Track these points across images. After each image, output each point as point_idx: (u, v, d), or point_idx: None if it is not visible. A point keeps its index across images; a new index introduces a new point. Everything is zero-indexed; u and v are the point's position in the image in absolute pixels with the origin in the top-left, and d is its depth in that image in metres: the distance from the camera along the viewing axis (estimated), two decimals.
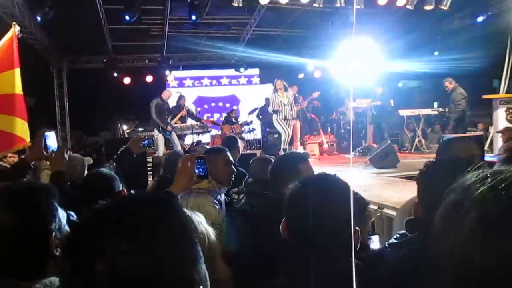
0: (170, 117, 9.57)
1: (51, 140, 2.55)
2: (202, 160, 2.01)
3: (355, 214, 1.14)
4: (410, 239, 1.41)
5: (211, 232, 1.40)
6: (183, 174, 1.94)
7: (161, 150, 9.10)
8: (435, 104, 11.16)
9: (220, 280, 1.31)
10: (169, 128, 9.22)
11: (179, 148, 9.04)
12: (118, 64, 12.29)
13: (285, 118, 8.79)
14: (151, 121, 9.33)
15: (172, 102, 11.21)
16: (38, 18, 7.74)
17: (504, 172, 0.64)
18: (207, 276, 0.68)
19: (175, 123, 9.74)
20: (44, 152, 2.48)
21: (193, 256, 0.66)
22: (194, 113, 11.41)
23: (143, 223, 0.63)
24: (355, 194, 2.08)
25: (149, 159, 7.39)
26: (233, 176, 2.70)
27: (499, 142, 7.24)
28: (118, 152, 2.84)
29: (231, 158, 2.71)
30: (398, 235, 1.55)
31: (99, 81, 12.98)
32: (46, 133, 2.50)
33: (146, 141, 2.98)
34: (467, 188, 0.62)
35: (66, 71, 12.39)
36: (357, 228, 1.23)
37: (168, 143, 9.65)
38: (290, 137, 9.01)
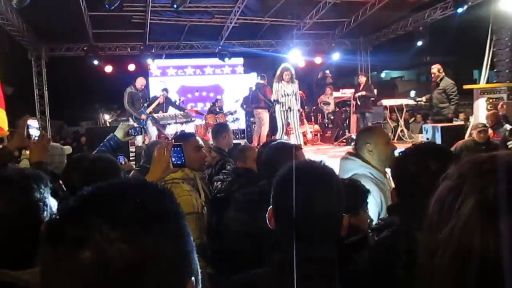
0: (145, 105, 9.23)
1: (34, 128, 2.44)
2: (178, 148, 1.97)
3: (348, 201, 1.13)
4: (389, 223, 1.45)
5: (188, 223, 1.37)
6: (159, 162, 1.89)
7: (139, 139, 8.94)
8: (412, 93, 11.23)
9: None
10: (142, 116, 8.93)
11: (153, 137, 8.88)
12: (99, 52, 12.04)
13: (289, 109, 8.49)
14: (127, 111, 9.15)
15: (154, 92, 11.08)
16: (14, 4, 7.50)
17: (499, 156, 0.63)
18: (198, 268, 0.66)
19: (151, 111, 9.43)
20: (27, 140, 2.38)
21: (186, 247, 0.63)
22: (178, 102, 11.29)
23: (134, 210, 0.59)
24: (355, 181, 2.07)
25: (132, 149, 7.28)
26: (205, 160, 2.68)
27: None
28: (105, 140, 2.72)
29: (201, 143, 2.67)
30: (379, 220, 1.58)
31: (80, 69, 12.74)
32: (29, 121, 2.38)
33: (133, 129, 2.81)
34: (465, 173, 0.61)
35: (45, 59, 12.09)
36: (344, 214, 1.23)
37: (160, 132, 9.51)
38: (296, 130, 8.77)
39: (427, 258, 0.61)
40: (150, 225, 0.59)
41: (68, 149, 3.56)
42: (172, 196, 0.66)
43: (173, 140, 2.01)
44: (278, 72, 8.55)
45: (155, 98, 9.89)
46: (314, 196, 1.17)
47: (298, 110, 8.71)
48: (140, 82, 9.18)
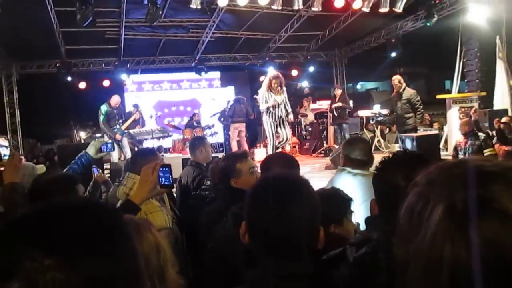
0: (121, 122, 9.04)
1: (3, 146, 2.34)
2: (167, 169, 1.89)
3: (331, 210, 1.09)
4: (369, 238, 1.37)
5: (161, 240, 1.31)
6: (146, 183, 1.82)
7: (115, 156, 8.78)
8: (377, 107, 11.28)
9: None
10: (117, 137, 8.78)
11: (128, 155, 8.70)
12: (73, 68, 11.85)
13: (279, 118, 7.91)
14: (101, 128, 8.98)
15: (130, 107, 10.93)
16: None
17: (469, 161, 0.60)
18: None
19: (127, 127, 9.26)
20: None
21: (134, 270, 0.57)
22: (154, 117, 11.16)
23: (72, 233, 0.52)
24: (336, 190, 2.04)
25: (107, 165, 7.12)
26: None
27: (453, 140, 7.52)
28: (76, 158, 2.63)
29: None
30: (358, 235, 1.52)
31: (53, 86, 12.48)
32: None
33: (105, 146, 2.73)
34: (433, 178, 0.58)
35: (16, 76, 11.82)
36: (320, 227, 1.19)
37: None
38: (285, 141, 8.19)
39: (401, 272, 0.58)
40: (90, 248, 0.52)
41: (41, 168, 3.43)
42: (118, 215, 0.60)
43: (162, 161, 1.96)
44: (266, 80, 8.11)
45: (130, 114, 9.76)
46: (289, 208, 1.12)
47: (287, 116, 8.12)
48: (114, 100, 8.96)
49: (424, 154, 1.59)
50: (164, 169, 1.88)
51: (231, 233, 2.07)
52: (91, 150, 2.63)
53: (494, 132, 7.25)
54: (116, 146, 8.63)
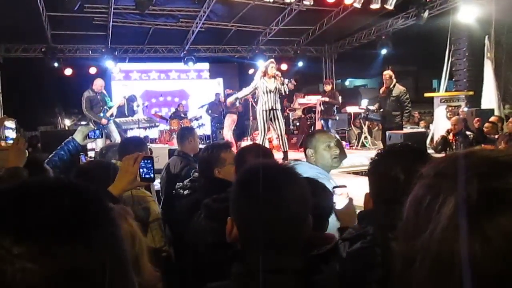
0: (106, 108, 8.57)
1: (9, 129, 2.24)
2: (149, 161, 1.82)
3: (320, 204, 1.04)
4: (363, 233, 1.32)
5: (136, 228, 1.24)
6: (126, 174, 1.75)
7: (99, 143, 8.58)
8: (365, 101, 11.23)
9: (145, 284, 1.16)
10: (103, 121, 8.50)
11: (118, 139, 8.44)
12: (59, 54, 11.60)
13: (271, 109, 7.27)
14: (84, 116, 8.72)
15: (117, 96, 10.76)
16: None
17: (480, 151, 0.56)
18: (135, 284, 0.54)
19: (112, 114, 8.98)
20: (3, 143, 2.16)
21: (116, 263, 0.51)
22: (141, 106, 11.01)
23: (46, 217, 0.46)
24: (315, 180, 2.00)
25: (91, 154, 6.98)
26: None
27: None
28: (62, 144, 2.53)
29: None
30: (351, 229, 1.48)
31: (38, 72, 12.22)
32: (6, 122, 2.19)
33: (93, 132, 2.63)
34: (443, 170, 0.54)
35: (0, 60, 11.52)
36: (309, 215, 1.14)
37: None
38: (281, 135, 7.51)
39: (403, 269, 0.53)
40: (69, 235, 0.46)
41: None
42: (101, 199, 0.53)
43: (144, 152, 1.88)
44: (262, 67, 7.53)
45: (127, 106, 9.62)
46: (281, 196, 1.07)
47: (278, 109, 7.41)
48: (98, 84, 8.44)
49: (423, 148, 1.54)
50: (146, 161, 1.81)
51: (201, 226, 2.03)
52: (78, 137, 2.55)
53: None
54: (113, 131, 8.48)
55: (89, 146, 7.75)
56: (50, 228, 0.46)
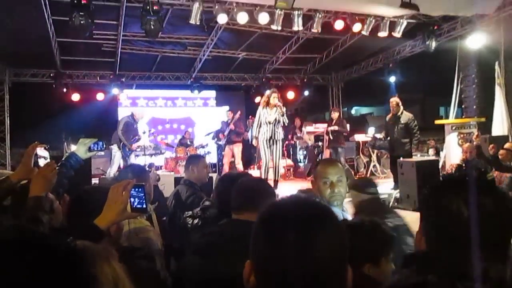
0: (136, 139, 9.22)
1: (42, 157, 2.07)
2: (140, 189, 1.63)
3: (367, 246, 0.85)
4: (421, 282, 1.04)
5: (120, 271, 1.08)
6: (114, 204, 1.57)
7: (114, 168, 8.63)
8: (372, 129, 11.16)
9: None
10: (133, 146, 8.91)
11: (114, 171, 8.70)
12: (67, 79, 11.67)
13: (270, 139, 7.59)
14: (113, 136, 9.02)
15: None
16: None
17: None
18: None
19: (137, 146, 9.42)
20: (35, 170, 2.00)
21: None
22: (147, 133, 10.99)
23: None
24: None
25: (95, 180, 6.87)
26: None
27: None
28: (62, 160, 2.35)
29: None
30: (397, 276, 1.19)
31: (46, 96, 12.26)
32: (38, 149, 2.04)
33: (95, 144, 2.37)
34: None
35: (9, 84, 11.58)
36: (348, 267, 0.96)
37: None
38: (276, 165, 7.75)
39: None
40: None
41: None
42: (68, 246, 0.42)
43: (135, 180, 1.70)
44: (265, 97, 7.81)
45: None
46: (314, 243, 0.88)
47: (279, 140, 7.71)
48: (139, 114, 9.41)
49: (484, 177, 1.29)
50: (137, 189, 1.63)
51: (189, 263, 1.83)
52: (80, 150, 2.37)
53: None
54: (116, 158, 8.61)
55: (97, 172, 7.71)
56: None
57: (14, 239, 0.47)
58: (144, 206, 1.64)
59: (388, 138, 8.19)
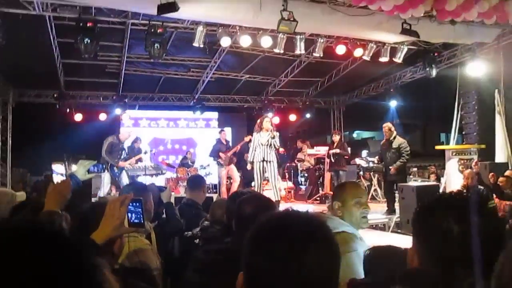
0: (123, 158, 9.08)
1: (58, 174, 2.04)
2: (137, 204, 1.65)
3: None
4: None
5: (115, 283, 1.09)
6: (111, 219, 1.57)
7: (105, 189, 8.60)
8: (364, 153, 11.25)
9: None
10: (120, 163, 8.76)
11: (105, 191, 8.62)
12: (70, 100, 11.78)
13: (263, 160, 7.78)
14: (101, 158, 8.90)
15: (126, 142, 10.76)
16: None
17: None
18: None
19: (129, 164, 9.27)
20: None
21: None
22: (149, 154, 11.01)
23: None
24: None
25: (94, 199, 6.86)
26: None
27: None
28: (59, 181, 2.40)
29: None
30: None
31: (48, 116, 12.35)
32: (54, 166, 2.01)
33: (95, 166, 2.39)
34: None
35: (12, 104, 11.69)
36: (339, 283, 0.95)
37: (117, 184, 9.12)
38: (274, 185, 7.91)
39: None
40: None
41: (21, 195, 3.24)
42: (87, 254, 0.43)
43: (132, 194, 1.71)
44: (258, 121, 8.11)
45: (130, 149, 9.70)
46: (306, 258, 0.88)
47: (271, 161, 7.85)
48: (124, 135, 9.20)
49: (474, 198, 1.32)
50: (135, 204, 1.64)
51: (189, 281, 1.79)
52: (79, 171, 2.37)
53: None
54: (105, 180, 8.52)
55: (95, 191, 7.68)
56: None
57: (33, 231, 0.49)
58: (142, 221, 1.65)
59: (382, 162, 8.25)
